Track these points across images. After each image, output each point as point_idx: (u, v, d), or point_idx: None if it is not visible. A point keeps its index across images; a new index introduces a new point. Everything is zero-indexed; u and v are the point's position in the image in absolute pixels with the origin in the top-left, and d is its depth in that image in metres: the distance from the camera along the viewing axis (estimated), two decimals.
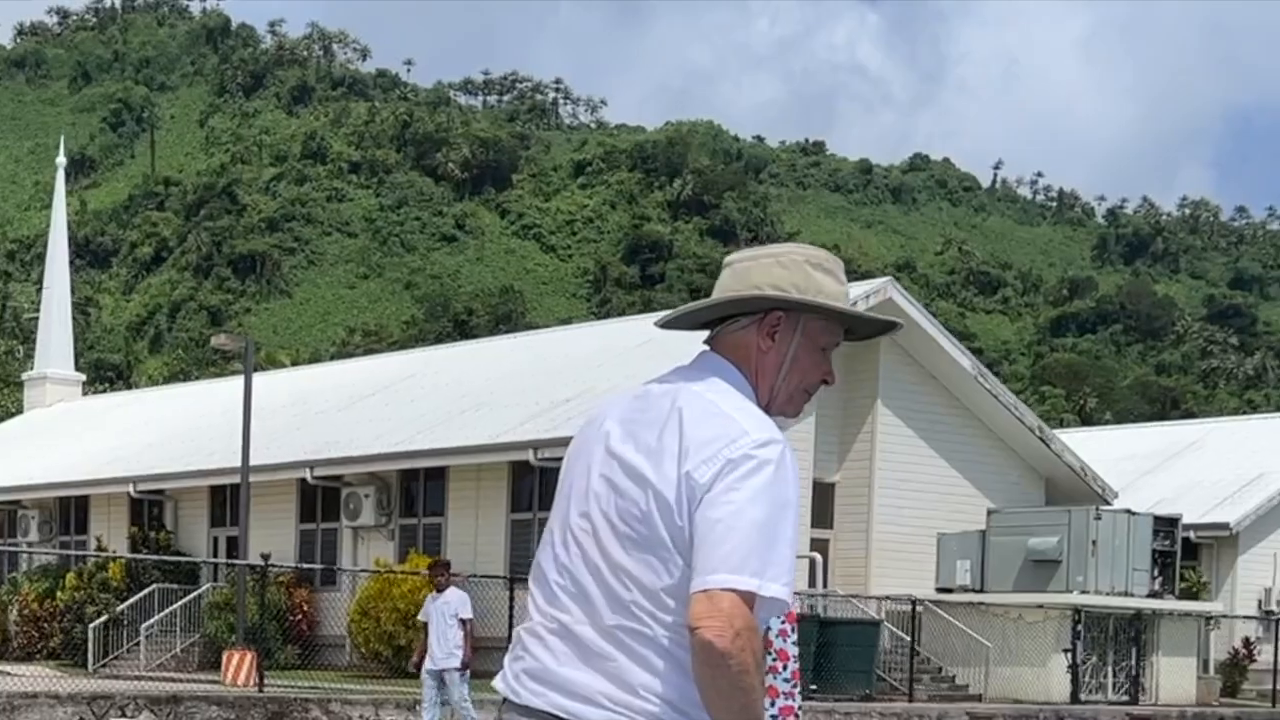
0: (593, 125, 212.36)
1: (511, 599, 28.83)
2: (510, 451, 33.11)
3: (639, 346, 36.18)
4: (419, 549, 34.65)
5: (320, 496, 37.76)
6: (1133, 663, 34.15)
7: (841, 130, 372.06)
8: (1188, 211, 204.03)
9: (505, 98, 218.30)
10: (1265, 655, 39.84)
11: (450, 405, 37.24)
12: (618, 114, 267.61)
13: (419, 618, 21.44)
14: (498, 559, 33.76)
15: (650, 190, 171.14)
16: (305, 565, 32.75)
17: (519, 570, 32.27)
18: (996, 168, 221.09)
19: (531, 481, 33.82)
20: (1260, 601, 42.27)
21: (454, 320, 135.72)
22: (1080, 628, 33.23)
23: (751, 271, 3.88)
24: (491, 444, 33.45)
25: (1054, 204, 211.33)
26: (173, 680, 29.09)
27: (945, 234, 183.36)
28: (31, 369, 58.71)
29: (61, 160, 58.65)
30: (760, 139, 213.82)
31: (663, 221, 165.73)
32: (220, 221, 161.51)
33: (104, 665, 35.68)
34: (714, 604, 3.51)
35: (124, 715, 20.29)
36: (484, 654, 33.25)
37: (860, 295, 34.34)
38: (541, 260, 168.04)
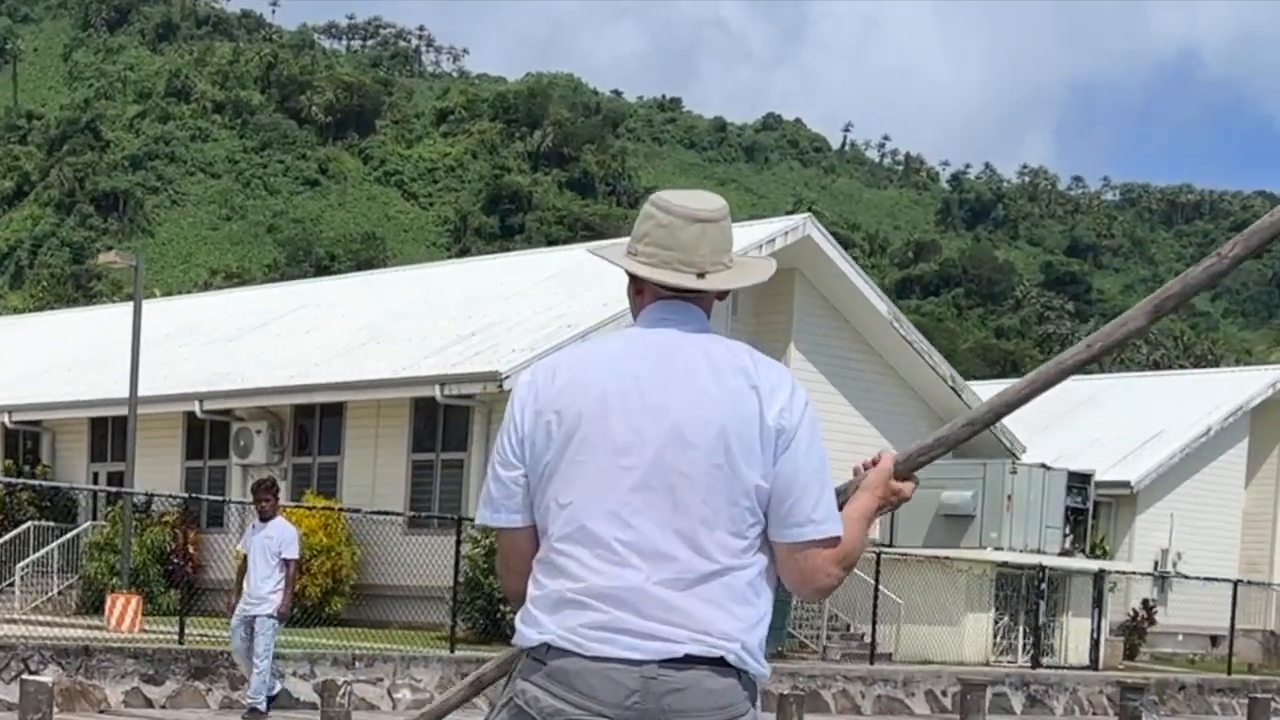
0: (455, 74, 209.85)
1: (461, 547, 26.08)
2: (414, 387, 30.22)
3: (545, 280, 33.73)
4: (313, 490, 31.82)
5: (208, 432, 34.72)
6: (1044, 622, 32.26)
7: (699, 87, 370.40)
8: (1028, 179, 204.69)
9: (369, 43, 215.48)
10: (1161, 618, 38.30)
11: (348, 338, 34.32)
12: (480, 63, 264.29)
13: (239, 547, 17.88)
14: (397, 502, 30.97)
15: (511, 141, 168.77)
16: (201, 497, 29.50)
17: (417, 518, 29.77)
18: (846, 130, 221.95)
19: (435, 420, 31.14)
20: (1156, 562, 40.59)
21: (316, 265, 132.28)
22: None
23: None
24: (394, 379, 30.55)
25: (901, 167, 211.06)
26: (55, 624, 26.05)
27: (796, 194, 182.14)
28: None
29: None
30: (619, 93, 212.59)
31: (523, 173, 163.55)
32: (83, 157, 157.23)
33: None
34: (826, 552, 3.71)
35: (28, 669, 17.32)
36: (382, 601, 31.25)
37: (778, 231, 32.51)
38: (403, 207, 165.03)
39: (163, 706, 18.53)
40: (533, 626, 3.72)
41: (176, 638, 20.08)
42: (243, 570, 17.09)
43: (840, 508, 3.77)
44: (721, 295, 3.90)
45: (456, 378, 29.15)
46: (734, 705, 3.67)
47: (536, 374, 3.84)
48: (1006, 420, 36.69)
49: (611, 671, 3.62)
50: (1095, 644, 33.00)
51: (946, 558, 31.00)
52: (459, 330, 32.05)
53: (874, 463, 3.98)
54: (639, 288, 3.93)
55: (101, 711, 18.03)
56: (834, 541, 3.70)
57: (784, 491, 3.67)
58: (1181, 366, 78.92)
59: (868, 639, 31.12)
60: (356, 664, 19.00)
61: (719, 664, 3.63)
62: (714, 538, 3.63)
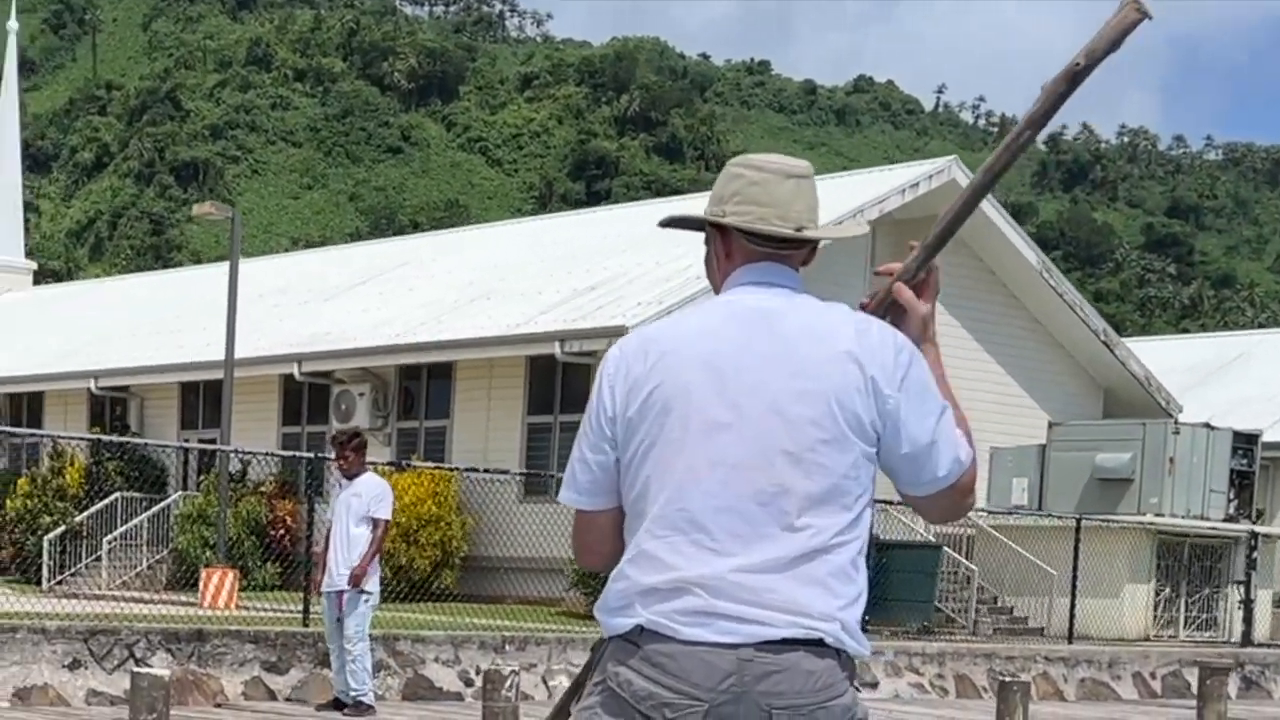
0: (539, 39, 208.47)
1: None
2: (531, 344, 28.44)
3: (662, 232, 31.69)
4: (420, 455, 30.00)
5: (307, 395, 33.03)
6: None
7: (788, 49, 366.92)
8: (1126, 139, 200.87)
9: (452, 8, 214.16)
10: None
11: (455, 294, 32.52)
12: (564, 28, 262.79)
13: (326, 515, 15.47)
14: (510, 467, 29.13)
15: (597, 106, 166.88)
16: (301, 455, 27.39)
17: (535, 482, 27.93)
18: (940, 91, 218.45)
19: (553, 379, 29.27)
20: None
21: (399, 233, 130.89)
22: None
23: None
24: (509, 336, 28.72)
25: (995, 129, 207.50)
26: (140, 600, 24.36)
27: (888, 157, 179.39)
28: None
29: (13, 25, 53.27)
30: (706, 56, 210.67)
31: (609, 138, 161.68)
32: (163, 128, 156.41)
33: (60, 582, 31.15)
34: (960, 483, 3.71)
35: (134, 657, 15.30)
36: (494, 574, 29.43)
37: (923, 175, 30.98)
38: (487, 174, 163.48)
39: (287, 698, 16.42)
40: (624, 613, 3.65)
41: (300, 620, 18.03)
42: (327, 538, 14.88)
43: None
44: (809, 257, 3.87)
45: (577, 333, 27.42)
46: (833, 686, 3.62)
47: (625, 349, 3.76)
48: (1161, 378, 34.48)
49: (706, 654, 3.56)
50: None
51: (1106, 523, 28.79)
52: (576, 284, 30.25)
53: (878, 302, 3.87)
54: (728, 250, 3.84)
55: (218, 705, 15.93)
56: (969, 472, 3.74)
57: (907, 454, 3.66)
58: None
59: (1018, 612, 29.17)
60: (507, 647, 16.89)
61: (817, 645, 3.59)
62: (818, 514, 3.60)
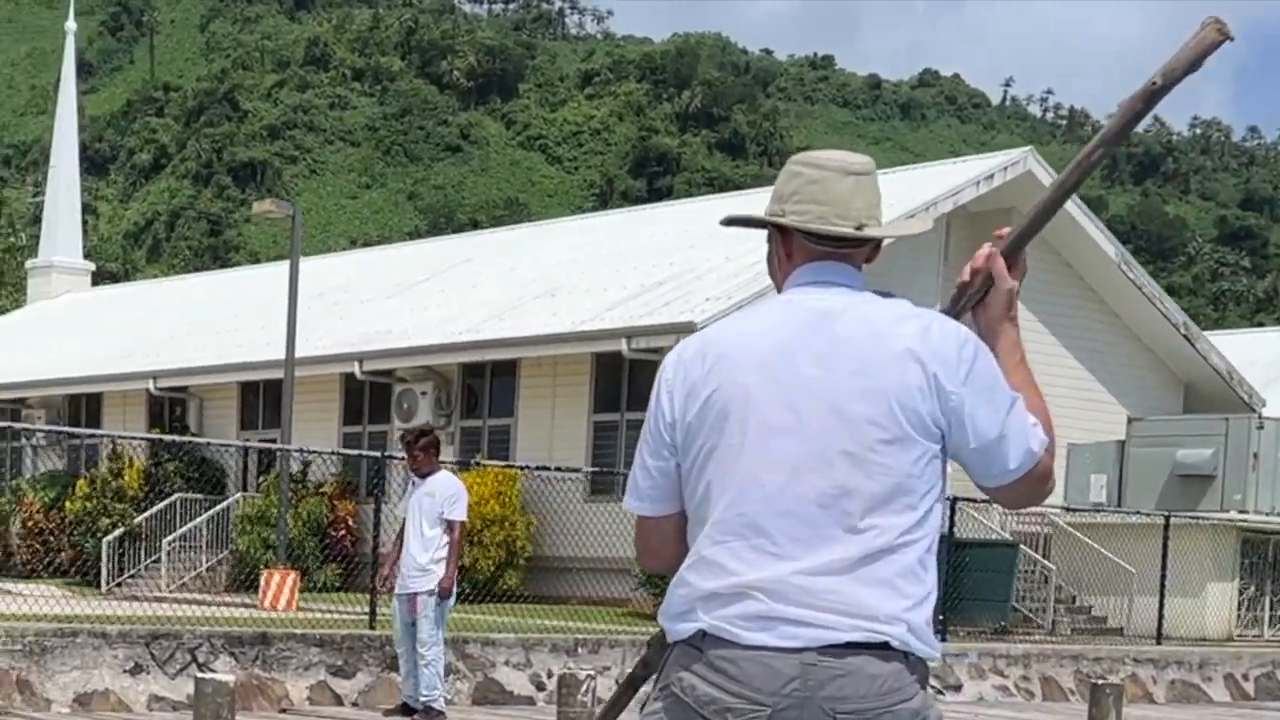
0: (599, 36, 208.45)
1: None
2: (597, 341, 28.18)
3: (729, 227, 31.38)
4: (484, 454, 29.78)
5: (368, 394, 32.86)
6: None
7: (852, 44, 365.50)
8: (1199, 131, 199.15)
9: (511, 6, 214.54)
10: None
11: (519, 291, 32.27)
12: (624, 25, 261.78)
13: (396, 512, 15.25)
14: (576, 466, 28.90)
15: (658, 102, 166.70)
16: (363, 454, 27.21)
17: (601, 480, 27.68)
18: (1007, 85, 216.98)
19: (619, 376, 28.99)
20: None
21: (458, 232, 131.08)
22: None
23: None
24: (574, 332, 28.46)
25: (1064, 122, 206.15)
26: (200, 602, 24.20)
27: (954, 151, 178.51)
28: (36, 258, 53.75)
29: (72, 25, 53.47)
30: (769, 52, 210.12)
31: (670, 134, 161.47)
32: (220, 128, 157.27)
33: (119, 585, 31.20)
34: (1036, 471, 3.67)
35: (196, 661, 15.06)
36: (559, 575, 29.16)
37: (997, 166, 30.54)
38: (547, 172, 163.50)
39: (354, 703, 16.13)
40: (686, 618, 3.65)
41: (367, 622, 17.75)
42: (399, 538, 14.57)
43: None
44: (872, 255, 3.85)
45: (645, 329, 27.15)
46: (900, 690, 3.58)
47: (684, 353, 3.76)
48: (1244, 371, 33.93)
49: (769, 659, 3.55)
50: None
51: (1195, 520, 28.29)
52: (643, 280, 30.01)
53: (969, 281, 3.86)
54: (788, 250, 3.84)
55: (283, 710, 15.67)
56: (1043, 461, 3.70)
57: (976, 449, 3.64)
58: None
59: (1096, 611, 28.73)
60: (580, 649, 16.58)
61: (882, 648, 3.56)
62: (881, 514, 3.58)
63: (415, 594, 14.35)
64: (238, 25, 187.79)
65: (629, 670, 4.32)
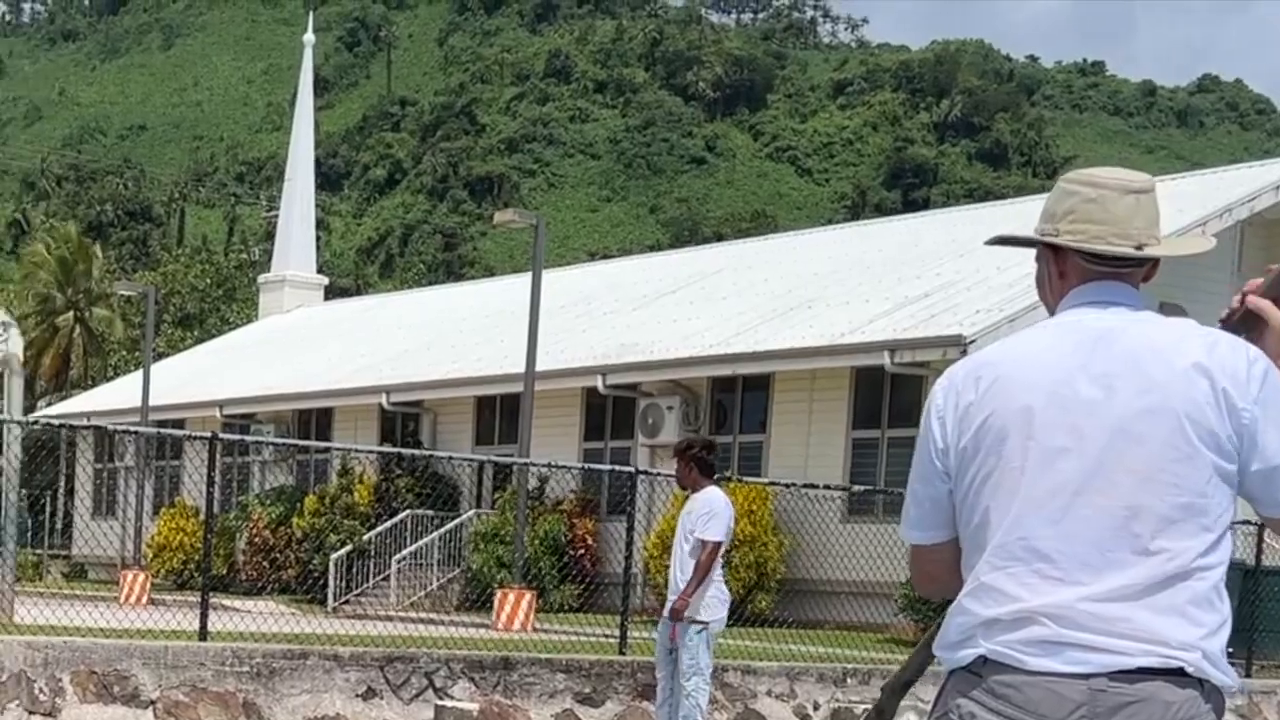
0: (853, 44, 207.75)
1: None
2: (857, 354, 27.62)
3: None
4: (734, 473, 29.16)
5: (611, 409, 32.53)
6: None
7: (1125, 49, 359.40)
8: None
9: (760, 15, 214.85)
10: None
11: (773, 303, 31.77)
12: (880, 33, 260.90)
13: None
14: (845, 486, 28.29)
15: (914, 111, 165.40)
16: (600, 468, 26.66)
17: (861, 500, 26.97)
18: None
19: (879, 392, 28.26)
20: None
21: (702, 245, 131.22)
22: None
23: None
24: (833, 345, 27.91)
25: None
26: (431, 622, 23.99)
27: (1234, 159, 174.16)
28: (269, 272, 54.54)
29: (310, 38, 54.24)
30: (1034, 58, 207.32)
31: (927, 144, 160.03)
32: (457, 142, 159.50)
33: (345, 603, 31.44)
34: None
35: (433, 687, 14.54)
36: (813, 598, 28.41)
37: (1269, 184, 29.34)
38: (796, 184, 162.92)
39: None
40: (965, 646, 3.65)
41: (616, 647, 17.22)
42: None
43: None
44: (1150, 273, 3.85)
45: (910, 343, 26.62)
46: (1195, 718, 3.54)
47: (955, 378, 3.78)
48: None
49: (1055, 685, 3.54)
50: None
51: None
52: (907, 292, 29.36)
53: (1229, 316, 3.84)
54: (1061, 270, 3.84)
55: None
56: None
57: (1258, 471, 3.59)
58: None
59: None
60: (848, 680, 15.79)
61: (1177, 674, 3.53)
62: (1173, 537, 3.55)
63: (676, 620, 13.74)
64: (477, 39, 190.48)
65: (903, 703, 4.36)
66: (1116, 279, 3.79)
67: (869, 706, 9.37)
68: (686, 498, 14.04)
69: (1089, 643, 3.53)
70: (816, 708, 15.59)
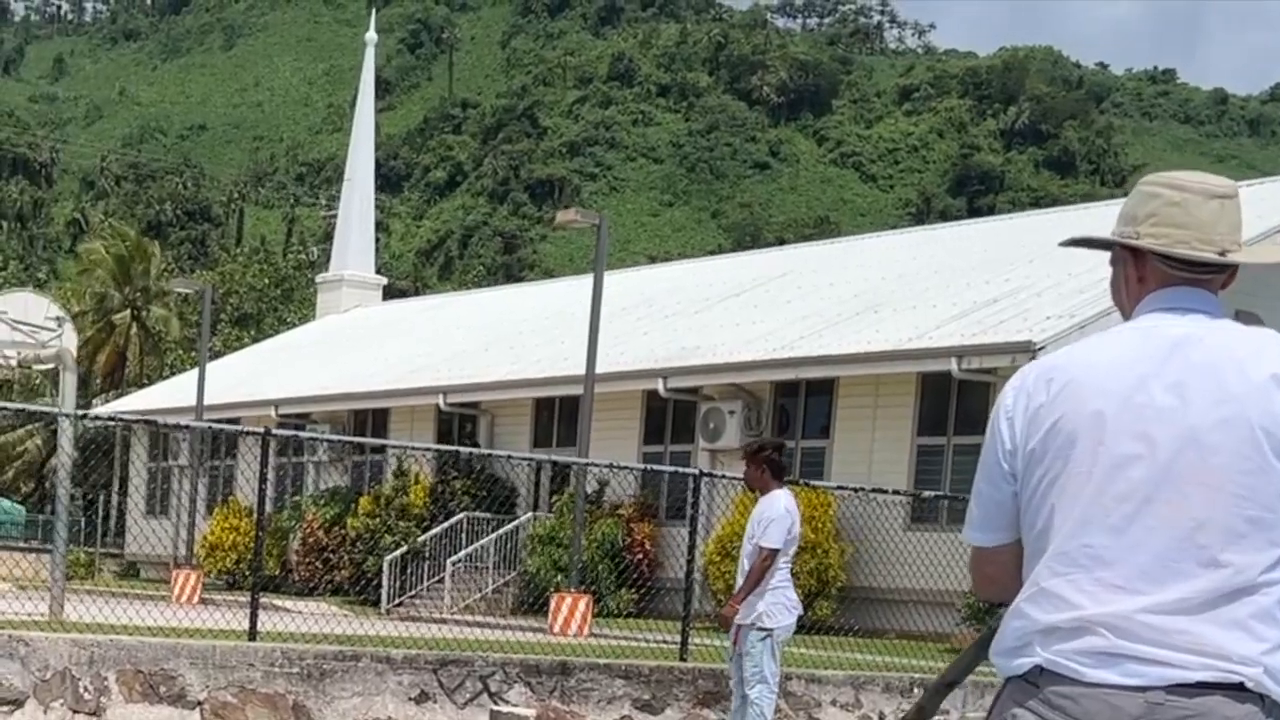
0: (920, 50, 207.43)
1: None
2: (924, 360, 27.25)
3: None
4: (796, 478, 28.82)
5: (671, 412, 32.25)
6: None
7: (1197, 56, 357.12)
8: None
9: (826, 20, 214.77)
10: None
11: (838, 307, 31.44)
12: (947, 38, 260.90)
13: None
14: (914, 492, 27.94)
15: (981, 118, 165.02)
16: (662, 469, 26.29)
17: (921, 506, 26.61)
18: None
19: (946, 398, 27.89)
20: None
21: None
22: None
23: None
24: (900, 350, 27.55)
25: None
26: (486, 625, 23.81)
27: None
28: (326, 272, 54.50)
29: (372, 36, 54.22)
30: (1104, 65, 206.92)
31: (994, 151, 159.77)
32: (519, 145, 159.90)
33: (399, 604, 31.38)
34: None
35: (488, 691, 14.26)
36: (874, 606, 28.05)
37: None
38: (860, 190, 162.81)
39: None
40: (1022, 653, 3.62)
41: (677, 653, 16.87)
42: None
43: None
44: (1229, 280, 3.79)
45: (978, 349, 26.27)
46: None
47: (1026, 380, 3.73)
48: None
49: (1111, 697, 3.50)
50: None
51: None
52: (975, 296, 29.02)
53: None
54: (1140, 274, 3.78)
55: None
56: None
57: None
58: None
59: None
60: (915, 690, 15.45)
61: (1236, 689, 3.47)
62: (1242, 551, 3.51)
63: (739, 625, 13.41)
64: (540, 41, 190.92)
65: (969, 714, 4.12)
66: (1196, 285, 3.74)
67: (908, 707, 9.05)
68: (755, 500, 13.68)
69: (1146, 655, 3.49)
70: (882, 718, 15.28)
